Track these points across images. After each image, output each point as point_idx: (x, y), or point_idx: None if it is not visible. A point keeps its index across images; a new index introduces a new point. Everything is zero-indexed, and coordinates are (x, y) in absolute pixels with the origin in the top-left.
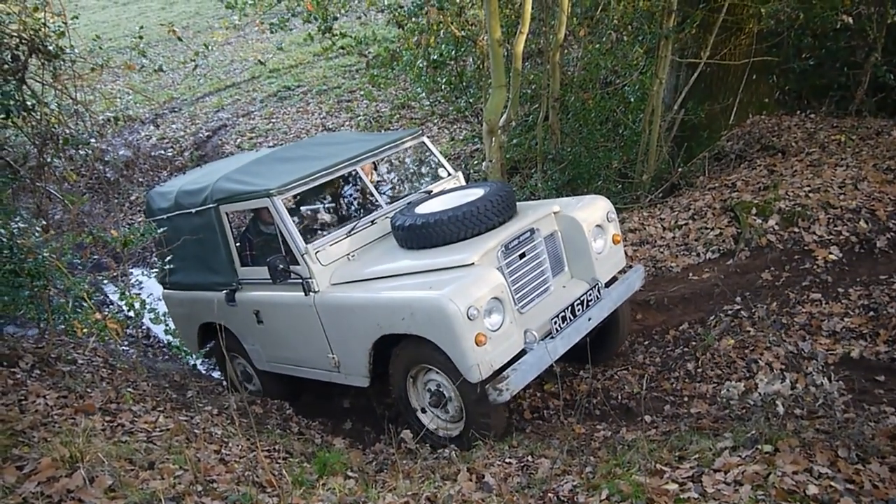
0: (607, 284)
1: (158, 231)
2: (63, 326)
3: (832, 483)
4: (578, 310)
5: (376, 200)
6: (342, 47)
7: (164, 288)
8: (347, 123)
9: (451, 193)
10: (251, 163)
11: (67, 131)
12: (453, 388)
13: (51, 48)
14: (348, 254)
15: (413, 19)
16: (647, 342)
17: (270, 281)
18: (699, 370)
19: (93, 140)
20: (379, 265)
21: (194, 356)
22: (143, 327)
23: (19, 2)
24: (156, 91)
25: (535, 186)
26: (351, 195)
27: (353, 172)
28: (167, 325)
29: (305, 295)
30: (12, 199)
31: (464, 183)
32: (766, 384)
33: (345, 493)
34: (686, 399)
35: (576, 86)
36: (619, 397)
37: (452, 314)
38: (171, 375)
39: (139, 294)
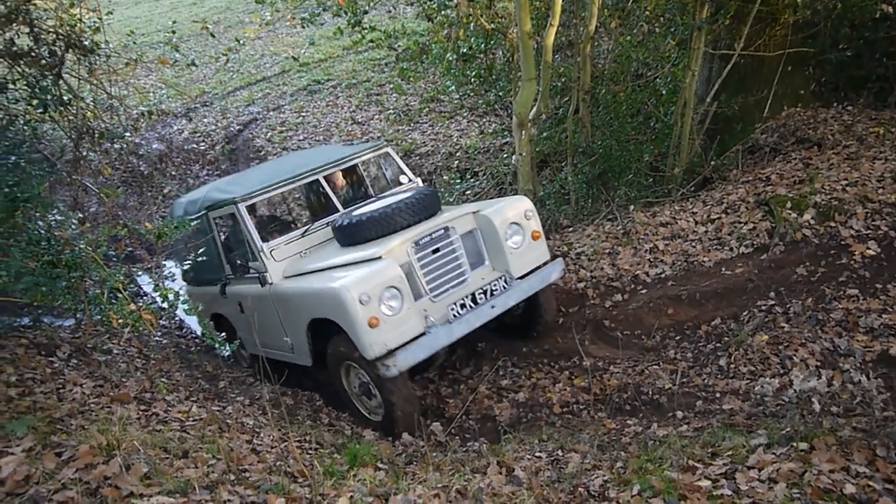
0: (526, 276)
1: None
2: (99, 317)
3: (870, 482)
4: (481, 299)
5: (334, 205)
6: (371, 41)
7: (186, 283)
8: (377, 117)
9: (387, 198)
10: (242, 174)
11: (103, 125)
12: (363, 370)
13: (86, 43)
14: (300, 252)
15: (443, 12)
16: (678, 337)
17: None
18: (732, 366)
19: (127, 134)
20: (318, 261)
21: (226, 347)
22: (176, 319)
23: None
24: (188, 85)
25: (564, 180)
26: (312, 200)
27: (316, 181)
28: (200, 317)
29: (262, 286)
30: (49, 191)
31: (422, 187)
32: (802, 381)
33: (375, 485)
34: (718, 395)
35: (607, 78)
36: (650, 392)
37: (347, 300)
38: (203, 366)
39: (171, 286)
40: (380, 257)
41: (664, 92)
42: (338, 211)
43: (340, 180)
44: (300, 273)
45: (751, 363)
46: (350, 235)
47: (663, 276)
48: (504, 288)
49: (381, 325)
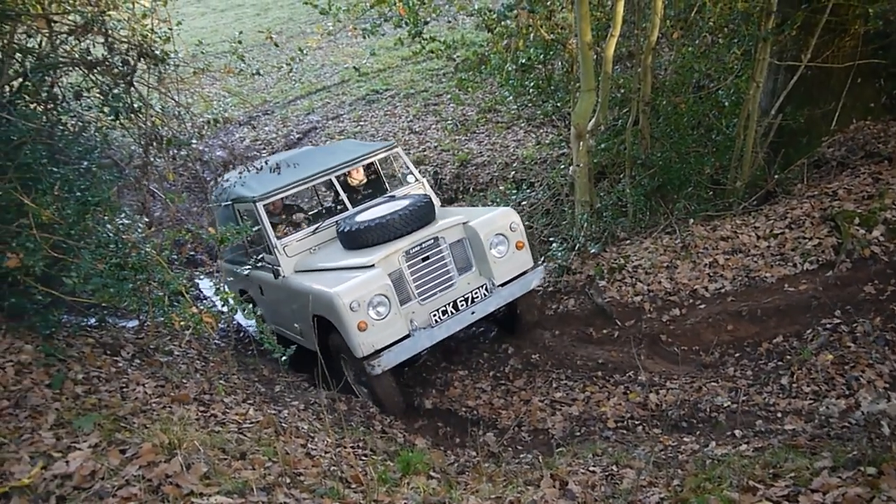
0: (509, 282)
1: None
2: (161, 319)
3: None
4: (462, 305)
5: (344, 203)
6: (431, 51)
7: (221, 259)
8: (434, 127)
9: (386, 204)
10: (264, 168)
11: (169, 132)
12: (353, 365)
13: (157, 53)
14: (311, 248)
15: (503, 23)
16: (737, 354)
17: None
18: (794, 385)
19: (193, 141)
20: (324, 260)
21: (284, 354)
22: (235, 322)
23: (128, 9)
24: (250, 94)
25: (622, 192)
26: (325, 198)
27: (328, 181)
28: (258, 319)
29: (275, 278)
30: (118, 196)
31: (427, 188)
32: (870, 403)
33: (428, 493)
34: (780, 415)
35: (667, 89)
36: (708, 410)
37: (340, 306)
38: (259, 370)
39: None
40: (372, 265)
41: (726, 104)
42: (347, 209)
43: (353, 178)
44: (308, 269)
45: (814, 383)
46: (351, 240)
47: (723, 291)
48: (485, 295)
49: (369, 329)
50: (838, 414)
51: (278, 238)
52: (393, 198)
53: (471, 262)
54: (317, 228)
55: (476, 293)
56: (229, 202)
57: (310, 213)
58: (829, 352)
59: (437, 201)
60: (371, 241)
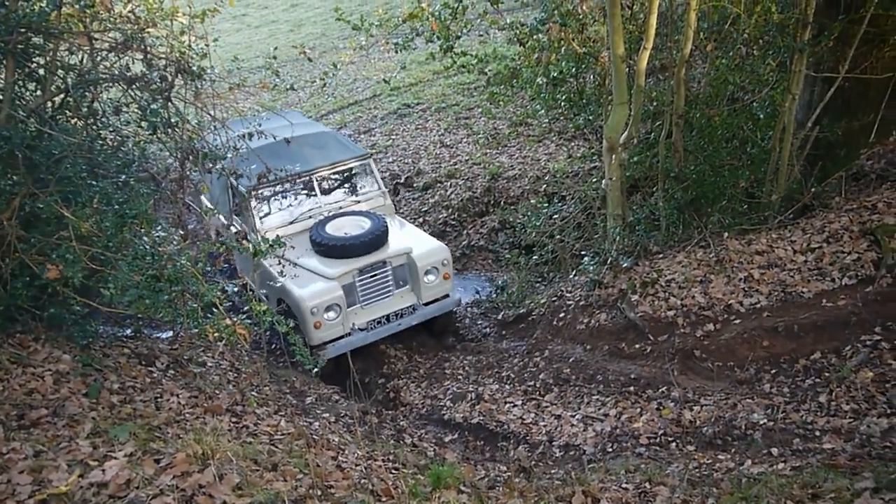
0: (432, 303)
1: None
2: (195, 330)
3: None
4: (392, 318)
5: (318, 200)
6: (462, 66)
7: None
8: (465, 140)
9: (352, 217)
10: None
11: (206, 146)
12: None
13: (194, 69)
14: (284, 235)
15: (534, 37)
16: (774, 371)
17: None
18: (833, 403)
19: (228, 155)
20: (295, 254)
21: (316, 366)
22: (267, 334)
23: (167, 27)
24: (284, 109)
25: (655, 205)
26: (303, 193)
27: (309, 179)
28: (290, 334)
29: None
30: (154, 209)
31: (387, 197)
32: None
33: None
34: (818, 433)
35: (701, 102)
36: (743, 427)
37: (304, 308)
38: (291, 381)
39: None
40: (333, 277)
41: (761, 116)
42: (320, 205)
43: (328, 178)
44: (281, 257)
45: (854, 401)
46: (319, 247)
47: (758, 306)
48: (411, 312)
49: (322, 327)
50: (880, 433)
51: (261, 221)
52: (360, 212)
53: (407, 281)
54: (295, 219)
55: (405, 310)
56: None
57: (286, 199)
58: (868, 369)
59: (391, 210)
60: (336, 254)
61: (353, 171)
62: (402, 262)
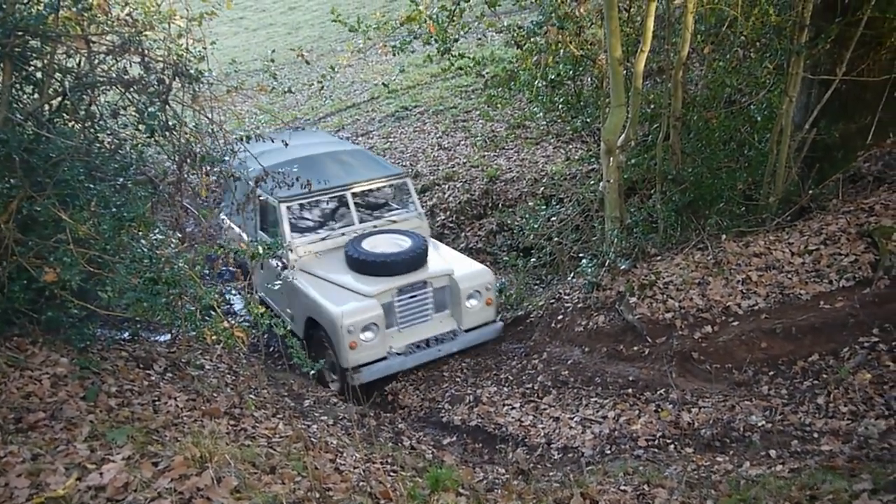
0: (473, 329)
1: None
2: (193, 333)
3: None
4: (433, 343)
5: (352, 218)
6: (460, 68)
7: (226, 217)
8: (463, 143)
9: (390, 235)
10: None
11: (203, 149)
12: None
13: (192, 72)
14: (316, 252)
15: (532, 39)
16: (772, 372)
17: None
18: (831, 405)
19: (226, 158)
20: (327, 270)
21: (313, 369)
22: (265, 337)
23: (164, 30)
24: (281, 111)
25: (652, 207)
26: (336, 209)
27: (343, 195)
28: (288, 337)
29: (282, 269)
30: (152, 212)
31: (423, 218)
32: None
33: None
34: (816, 435)
35: (699, 104)
36: (741, 429)
37: (339, 326)
38: (289, 384)
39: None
40: (371, 296)
41: (759, 118)
42: (353, 222)
43: (362, 194)
44: (312, 272)
45: (852, 403)
46: (356, 264)
47: (756, 308)
48: (452, 338)
49: (358, 348)
50: (878, 435)
51: (292, 235)
52: (396, 231)
53: (447, 305)
54: (326, 237)
55: (446, 336)
56: (252, 186)
57: (319, 217)
58: (866, 371)
59: (427, 232)
60: (373, 271)
61: (389, 191)
62: (444, 285)
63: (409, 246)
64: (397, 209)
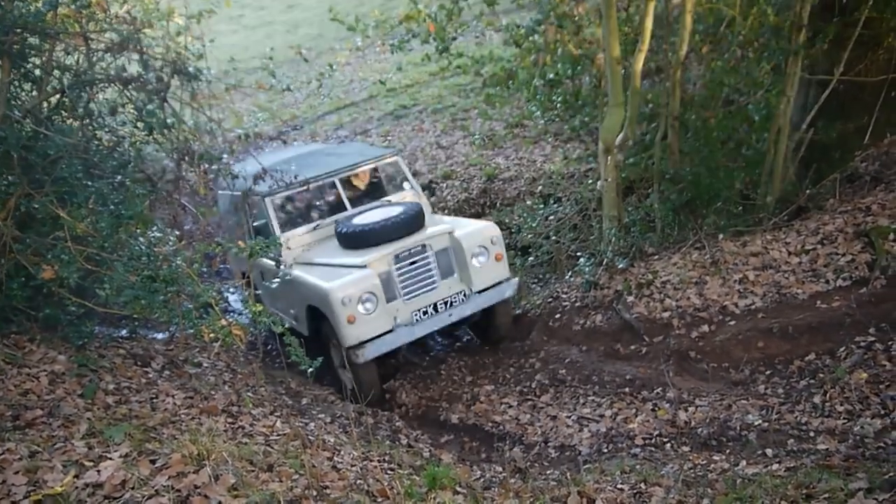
0: (485, 290)
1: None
2: (191, 331)
3: None
4: (441, 308)
5: (343, 204)
6: (458, 67)
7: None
8: (461, 141)
9: (382, 209)
10: (281, 154)
11: (202, 147)
12: (340, 352)
13: (190, 70)
14: (310, 243)
15: (530, 38)
16: (768, 372)
17: None
18: (827, 404)
19: (224, 156)
20: (322, 256)
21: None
22: (263, 335)
23: (163, 27)
24: (280, 110)
25: (650, 207)
26: (326, 198)
27: (331, 182)
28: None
29: (276, 267)
30: (150, 209)
31: (421, 196)
32: None
33: None
34: (812, 434)
35: (697, 104)
36: (738, 428)
37: (333, 300)
38: (287, 382)
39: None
40: (364, 266)
41: (757, 118)
42: (346, 209)
43: (355, 180)
44: (307, 262)
45: (848, 402)
46: (347, 240)
47: (753, 307)
48: (463, 300)
49: (357, 322)
50: (874, 434)
51: (282, 231)
52: (389, 203)
53: (453, 268)
54: (317, 226)
55: (455, 298)
56: (238, 193)
57: (311, 209)
58: (863, 370)
59: (428, 209)
60: (365, 242)
61: (381, 173)
62: (445, 246)
63: (402, 210)
64: (393, 190)
